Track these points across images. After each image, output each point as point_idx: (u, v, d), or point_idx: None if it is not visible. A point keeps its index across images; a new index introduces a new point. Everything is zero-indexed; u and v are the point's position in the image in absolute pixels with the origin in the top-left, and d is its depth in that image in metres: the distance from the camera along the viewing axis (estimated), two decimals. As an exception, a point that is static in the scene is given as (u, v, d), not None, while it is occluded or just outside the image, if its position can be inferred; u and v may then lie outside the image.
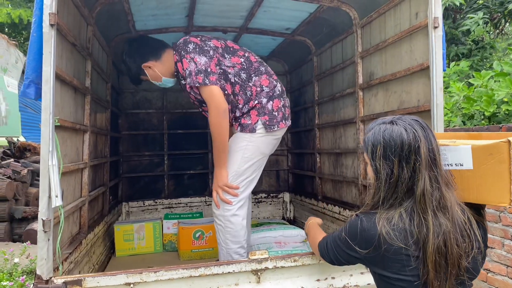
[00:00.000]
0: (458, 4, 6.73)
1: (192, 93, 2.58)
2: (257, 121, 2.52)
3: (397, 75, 2.58)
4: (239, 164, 2.50)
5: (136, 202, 4.47)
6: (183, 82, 2.59)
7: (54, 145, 1.79)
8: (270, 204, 4.75)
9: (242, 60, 2.60)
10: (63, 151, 2.08)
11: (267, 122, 2.52)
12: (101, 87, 3.34)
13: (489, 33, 7.88)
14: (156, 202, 4.55)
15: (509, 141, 1.38)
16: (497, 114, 4.70)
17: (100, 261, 3.10)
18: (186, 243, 3.44)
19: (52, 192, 1.75)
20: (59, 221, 1.92)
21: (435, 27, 2.15)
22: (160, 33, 3.62)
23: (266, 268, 1.98)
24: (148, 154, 4.59)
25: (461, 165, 1.49)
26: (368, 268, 1.52)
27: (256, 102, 2.54)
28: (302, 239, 3.19)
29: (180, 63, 2.51)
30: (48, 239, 1.77)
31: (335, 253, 1.57)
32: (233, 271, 1.92)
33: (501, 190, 1.41)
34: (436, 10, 2.16)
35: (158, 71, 2.67)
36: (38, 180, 4.24)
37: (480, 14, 6.59)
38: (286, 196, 4.89)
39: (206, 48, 2.49)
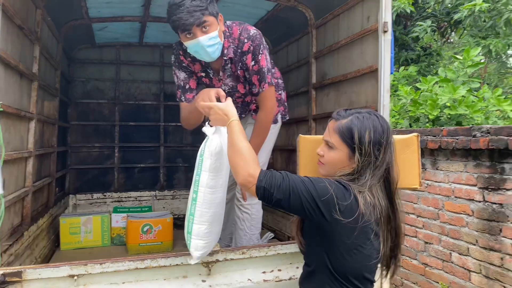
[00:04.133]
0: (408, 11, 7.03)
1: (240, 83, 2.46)
2: (278, 112, 2.66)
3: (348, 76, 2.68)
4: (267, 155, 2.68)
5: (84, 195, 4.34)
6: (238, 70, 2.40)
7: (-4, 131, 1.71)
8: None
9: (266, 52, 2.47)
10: (5, 138, 1.99)
11: (283, 113, 2.71)
12: (49, 74, 3.21)
13: (436, 41, 8.30)
14: (105, 195, 4.44)
15: (418, 135, 1.79)
16: (440, 118, 4.97)
17: (43, 255, 2.99)
18: (134, 237, 3.38)
19: (-8, 181, 1.67)
20: (-1, 211, 1.83)
21: (385, 31, 2.24)
22: (115, 21, 3.54)
23: (217, 261, 1.99)
24: (98, 146, 4.46)
25: None
26: (319, 232, 1.47)
27: (278, 93, 2.64)
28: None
29: (252, 55, 2.31)
30: (-14, 230, 1.69)
31: (300, 197, 1.39)
32: (182, 263, 1.93)
33: (414, 175, 1.77)
34: (386, 15, 2.26)
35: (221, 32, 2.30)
36: (-23, 169, 3.97)
37: (429, 22, 6.93)
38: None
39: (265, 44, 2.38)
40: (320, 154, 1.59)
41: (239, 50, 2.34)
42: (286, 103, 2.80)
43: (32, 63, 2.62)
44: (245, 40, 2.32)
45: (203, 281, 1.97)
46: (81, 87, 4.37)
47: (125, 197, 4.51)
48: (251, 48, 2.31)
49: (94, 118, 4.43)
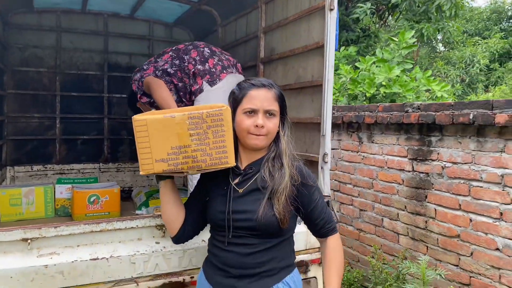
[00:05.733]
0: (350, -7, 7.31)
1: (148, 100, 3.13)
2: (202, 82, 2.95)
3: (296, 51, 2.80)
4: None
5: (23, 167, 4.19)
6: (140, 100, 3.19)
7: None
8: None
9: (171, 53, 3.09)
10: None
11: (209, 79, 2.95)
12: (-15, 38, 3.05)
13: (375, 23, 8.71)
14: (46, 168, 4.31)
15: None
16: (376, 96, 5.30)
17: (-17, 226, 2.90)
18: (80, 207, 3.35)
19: None
20: None
21: (331, 9, 2.38)
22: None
23: (171, 223, 2.07)
24: (38, 116, 4.29)
25: None
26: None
27: (193, 70, 2.97)
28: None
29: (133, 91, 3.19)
30: None
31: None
32: (137, 226, 1.99)
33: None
34: (333, -7, 2.39)
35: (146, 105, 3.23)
36: None
37: (368, 4, 7.26)
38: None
39: (140, 68, 3.12)
40: (264, 125, 1.59)
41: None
42: (213, 69, 2.99)
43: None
44: None
45: (157, 243, 2.05)
46: (18, 54, 4.15)
47: (67, 170, 4.41)
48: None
49: (33, 87, 4.24)
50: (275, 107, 1.62)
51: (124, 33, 4.55)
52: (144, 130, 1.52)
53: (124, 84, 4.66)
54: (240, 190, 1.63)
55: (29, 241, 1.80)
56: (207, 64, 2.98)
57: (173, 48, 3.15)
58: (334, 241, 1.72)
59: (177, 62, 3.02)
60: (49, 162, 4.34)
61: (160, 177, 1.70)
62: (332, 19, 2.40)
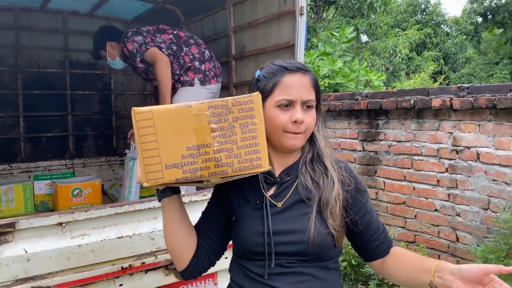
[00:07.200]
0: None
1: (142, 67, 3.28)
2: (194, 78, 3.14)
3: (267, 49, 3.18)
4: None
5: (-13, 167, 4.16)
6: (133, 63, 3.28)
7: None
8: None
9: (171, 36, 3.25)
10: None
11: (201, 79, 3.15)
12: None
13: (312, 18, 9.32)
14: (11, 167, 4.31)
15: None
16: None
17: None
18: (64, 201, 3.48)
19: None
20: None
21: (301, 14, 2.78)
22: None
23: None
24: (1, 116, 4.27)
25: None
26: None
27: (190, 65, 3.12)
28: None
29: (125, 48, 3.21)
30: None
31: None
32: (154, 206, 2.28)
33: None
34: (303, 0, 2.79)
35: (116, 52, 3.38)
36: None
37: (308, 0, 7.81)
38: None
39: (139, 31, 3.22)
40: (303, 120, 1.25)
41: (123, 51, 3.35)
42: (207, 72, 3.23)
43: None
44: (120, 43, 3.29)
45: (170, 220, 2.35)
46: (-24, 53, 4.10)
47: (33, 168, 4.43)
48: (122, 44, 3.25)
49: (-7, 86, 4.21)
50: (312, 96, 1.27)
51: (84, 31, 4.62)
52: (149, 126, 1.12)
53: (87, 80, 4.76)
54: (279, 204, 1.27)
55: (64, 224, 2.03)
56: (203, 65, 3.21)
57: (174, 32, 3.28)
58: (399, 248, 1.39)
59: (174, 48, 3.19)
60: (14, 161, 4.34)
61: (163, 191, 1.29)
62: (302, 22, 2.80)
